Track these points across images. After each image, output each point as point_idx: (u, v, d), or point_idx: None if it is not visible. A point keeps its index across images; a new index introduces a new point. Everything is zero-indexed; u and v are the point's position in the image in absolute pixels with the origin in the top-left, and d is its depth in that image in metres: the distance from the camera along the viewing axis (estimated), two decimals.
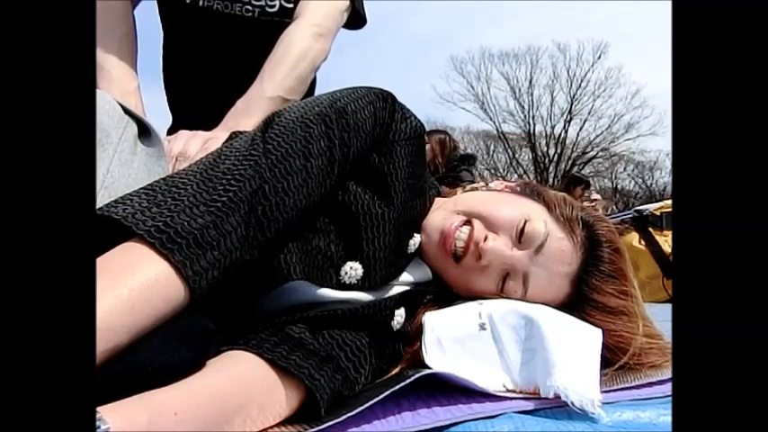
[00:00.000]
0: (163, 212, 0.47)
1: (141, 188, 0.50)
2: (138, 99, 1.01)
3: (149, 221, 0.46)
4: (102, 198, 0.58)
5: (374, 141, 0.64)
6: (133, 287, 0.43)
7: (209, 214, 0.48)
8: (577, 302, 0.70)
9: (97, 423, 0.35)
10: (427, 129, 0.74)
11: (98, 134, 0.62)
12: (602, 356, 0.63)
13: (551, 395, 0.57)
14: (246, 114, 0.93)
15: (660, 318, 0.75)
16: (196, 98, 1.21)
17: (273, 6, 1.14)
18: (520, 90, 18.03)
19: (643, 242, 2.22)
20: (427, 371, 0.59)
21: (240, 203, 0.50)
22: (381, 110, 0.64)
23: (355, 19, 1.18)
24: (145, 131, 0.69)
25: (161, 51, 1.27)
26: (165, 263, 0.45)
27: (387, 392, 0.53)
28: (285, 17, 1.13)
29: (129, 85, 1.00)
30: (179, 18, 1.18)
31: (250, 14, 1.14)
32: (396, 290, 0.68)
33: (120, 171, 0.61)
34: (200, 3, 1.14)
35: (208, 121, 0.90)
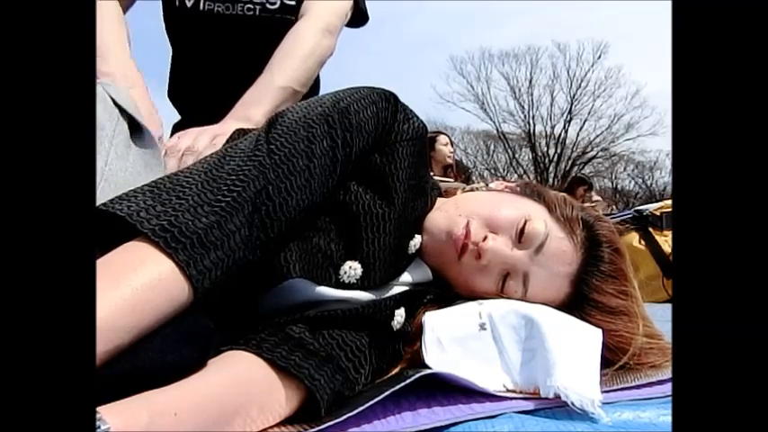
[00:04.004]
0: (167, 211, 0.47)
1: (145, 185, 0.50)
2: (145, 91, 0.99)
3: (153, 220, 0.46)
4: (103, 190, 0.58)
5: (376, 141, 0.64)
6: (136, 287, 0.43)
7: (214, 214, 0.48)
8: (577, 302, 0.70)
9: (97, 423, 0.35)
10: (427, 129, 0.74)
11: None
12: (603, 356, 0.63)
13: (551, 395, 0.57)
14: (256, 103, 0.92)
15: (660, 318, 0.75)
16: (204, 100, 1.22)
17: (275, 3, 1.15)
18: (520, 90, 18.03)
19: (643, 242, 2.22)
20: (427, 371, 0.59)
21: (244, 204, 0.50)
22: (384, 110, 0.64)
23: (358, 16, 1.19)
24: (135, 129, 0.69)
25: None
26: (169, 262, 0.45)
27: (387, 392, 0.53)
28: (286, 14, 1.14)
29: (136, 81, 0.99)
30: (182, 25, 1.19)
31: (252, 13, 1.15)
32: (396, 290, 0.68)
33: (117, 164, 0.61)
34: (201, 7, 1.15)
35: (217, 121, 0.90)
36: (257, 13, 1.15)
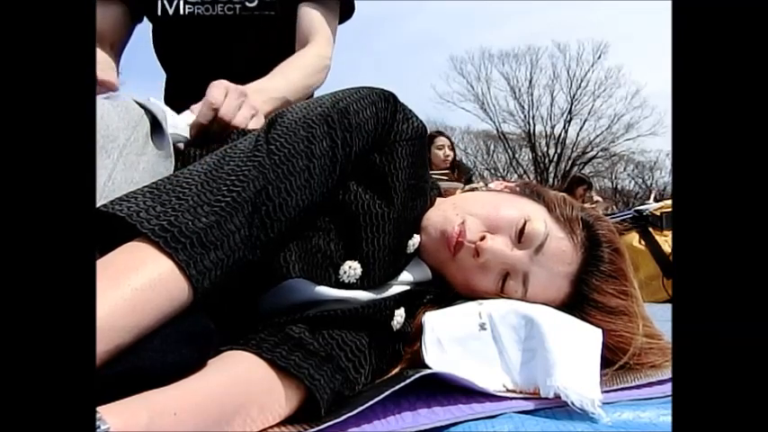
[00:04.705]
0: (167, 211, 0.47)
1: (145, 186, 0.50)
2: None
3: (153, 220, 0.46)
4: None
5: (376, 141, 0.64)
6: (136, 287, 0.43)
7: (213, 214, 0.48)
8: (577, 302, 0.70)
9: (97, 423, 0.35)
10: (427, 129, 0.75)
11: (102, 140, 0.61)
12: (603, 356, 0.63)
13: (551, 395, 0.57)
14: (262, 92, 0.94)
15: (660, 318, 0.75)
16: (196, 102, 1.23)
17: (253, 1, 1.16)
18: (520, 90, 18.04)
19: (643, 242, 2.22)
20: (427, 371, 0.59)
21: (244, 204, 0.50)
22: (383, 110, 0.65)
23: (345, 9, 1.21)
24: (156, 128, 0.69)
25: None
26: (169, 262, 0.45)
27: (387, 392, 0.53)
28: (265, 10, 1.15)
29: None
30: (167, 32, 1.20)
31: (232, 12, 1.17)
32: (395, 289, 0.68)
33: (122, 176, 0.61)
34: (181, 11, 1.16)
35: None
36: (237, 12, 1.17)
